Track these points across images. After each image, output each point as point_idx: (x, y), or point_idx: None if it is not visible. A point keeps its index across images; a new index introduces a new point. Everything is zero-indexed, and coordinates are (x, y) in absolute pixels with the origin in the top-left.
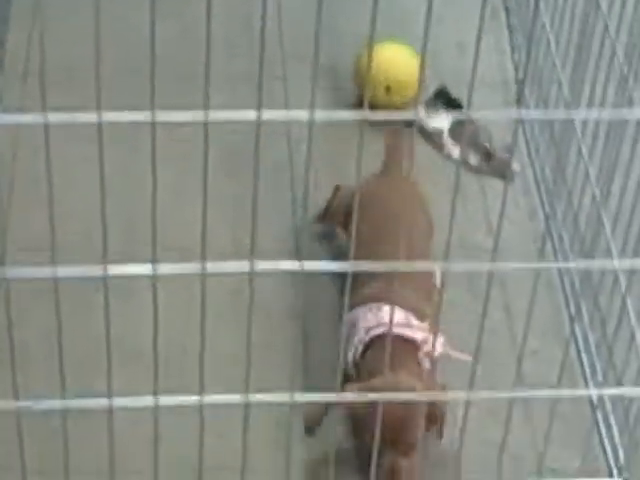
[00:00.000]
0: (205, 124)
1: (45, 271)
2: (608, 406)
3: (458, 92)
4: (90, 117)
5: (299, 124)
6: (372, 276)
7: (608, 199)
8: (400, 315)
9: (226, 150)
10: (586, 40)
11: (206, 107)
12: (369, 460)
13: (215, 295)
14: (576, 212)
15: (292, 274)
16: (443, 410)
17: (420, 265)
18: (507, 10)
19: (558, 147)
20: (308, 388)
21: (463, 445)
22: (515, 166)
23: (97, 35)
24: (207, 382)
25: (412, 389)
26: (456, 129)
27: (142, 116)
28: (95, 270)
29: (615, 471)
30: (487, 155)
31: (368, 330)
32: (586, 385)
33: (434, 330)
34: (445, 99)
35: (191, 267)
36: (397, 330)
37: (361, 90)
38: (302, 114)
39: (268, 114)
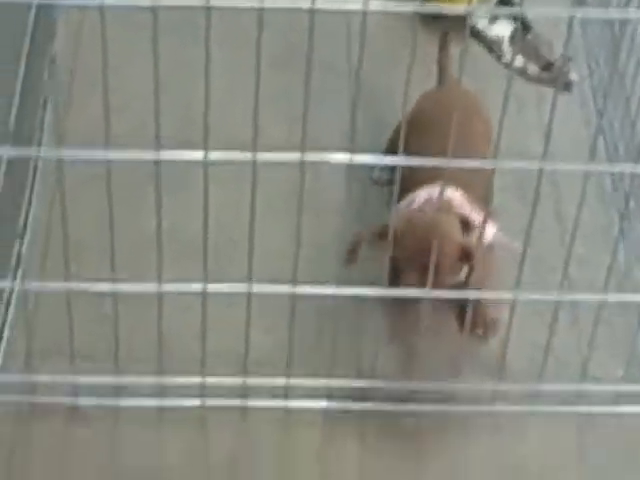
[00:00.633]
0: (260, 11)
1: (98, 153)
2: None
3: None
4: (145, 1)
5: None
6: (428, 180)
7: None
8: (457, 198)
9: (282, 46)
10: None
11: None
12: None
13: (266, 191)
14: (633, 120)
15: (346, 171)
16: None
17: (472, 163)
18: None
19: (617, 55)
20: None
21: (508, 345)
22: (573, 76)
23: None
24: (255, 275)
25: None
26: (516, 39)
27: (197, 0)
28: (148, 154)
29: None
30: (547, 65)
31: (426, 201)
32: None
33: (487, 218)
34: (508, 6)
35: (242, 155)
36: (456, 204)
37: None
38: (356, 5)
39: (322, 3)
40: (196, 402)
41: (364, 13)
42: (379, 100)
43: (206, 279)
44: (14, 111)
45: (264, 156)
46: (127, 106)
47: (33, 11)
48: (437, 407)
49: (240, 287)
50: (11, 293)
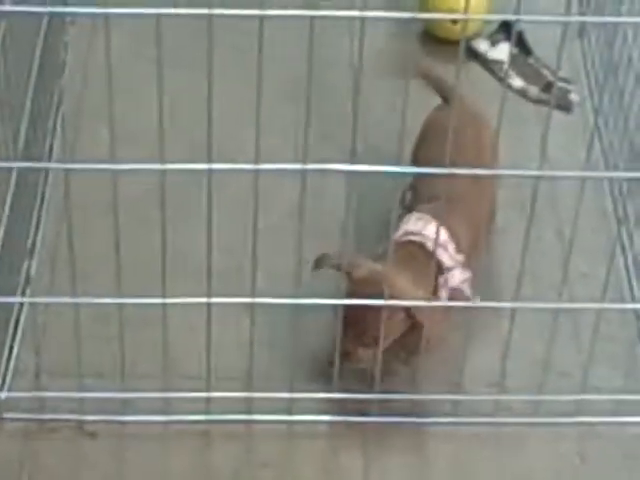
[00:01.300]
0: (261, 19)
1: (103, 166)
2: None
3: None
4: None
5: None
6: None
7: None
8: (442, 237)
9: (291, 80)
10: None
11: None
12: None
13: (269, 214)
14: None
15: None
16: (428, 334)
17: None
18: None
19: (616, 77)
20: None
21: (508, 358)
22: (574, 97)
23: None
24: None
25: (393, 287)
26: (517, 61)
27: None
28: (153, 165)
29: None
30: (547, 86)
31: (407, 233)
32: (632, 299)
33: (465, 265)
34: (508, 32)
35: (245, 166)
36: (430, 245)
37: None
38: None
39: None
40: (201, 417)
41: (362, 20)
42: (383, 121)
43: (209, 292)
44: (24, 126)
45: (266, 167)
46: (134, 133)
47: (44, 25)
48: (440, 420)
49: (242, 302)
50: (20, 311)
